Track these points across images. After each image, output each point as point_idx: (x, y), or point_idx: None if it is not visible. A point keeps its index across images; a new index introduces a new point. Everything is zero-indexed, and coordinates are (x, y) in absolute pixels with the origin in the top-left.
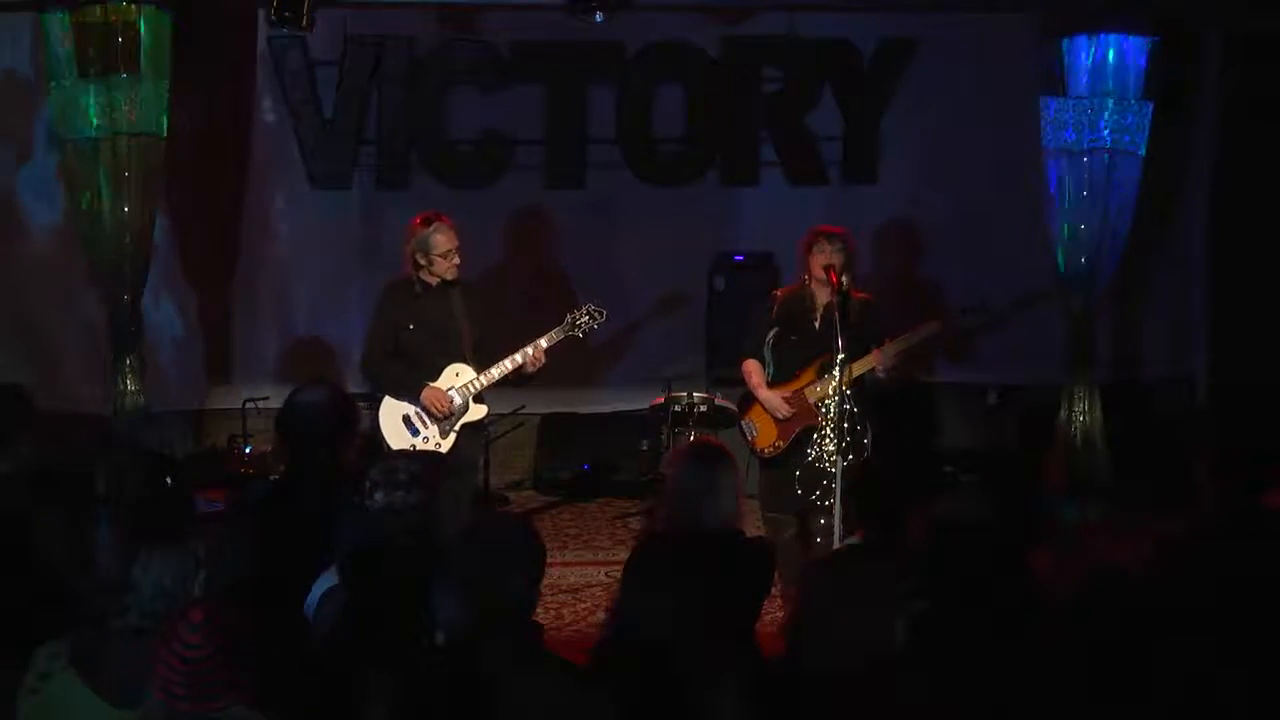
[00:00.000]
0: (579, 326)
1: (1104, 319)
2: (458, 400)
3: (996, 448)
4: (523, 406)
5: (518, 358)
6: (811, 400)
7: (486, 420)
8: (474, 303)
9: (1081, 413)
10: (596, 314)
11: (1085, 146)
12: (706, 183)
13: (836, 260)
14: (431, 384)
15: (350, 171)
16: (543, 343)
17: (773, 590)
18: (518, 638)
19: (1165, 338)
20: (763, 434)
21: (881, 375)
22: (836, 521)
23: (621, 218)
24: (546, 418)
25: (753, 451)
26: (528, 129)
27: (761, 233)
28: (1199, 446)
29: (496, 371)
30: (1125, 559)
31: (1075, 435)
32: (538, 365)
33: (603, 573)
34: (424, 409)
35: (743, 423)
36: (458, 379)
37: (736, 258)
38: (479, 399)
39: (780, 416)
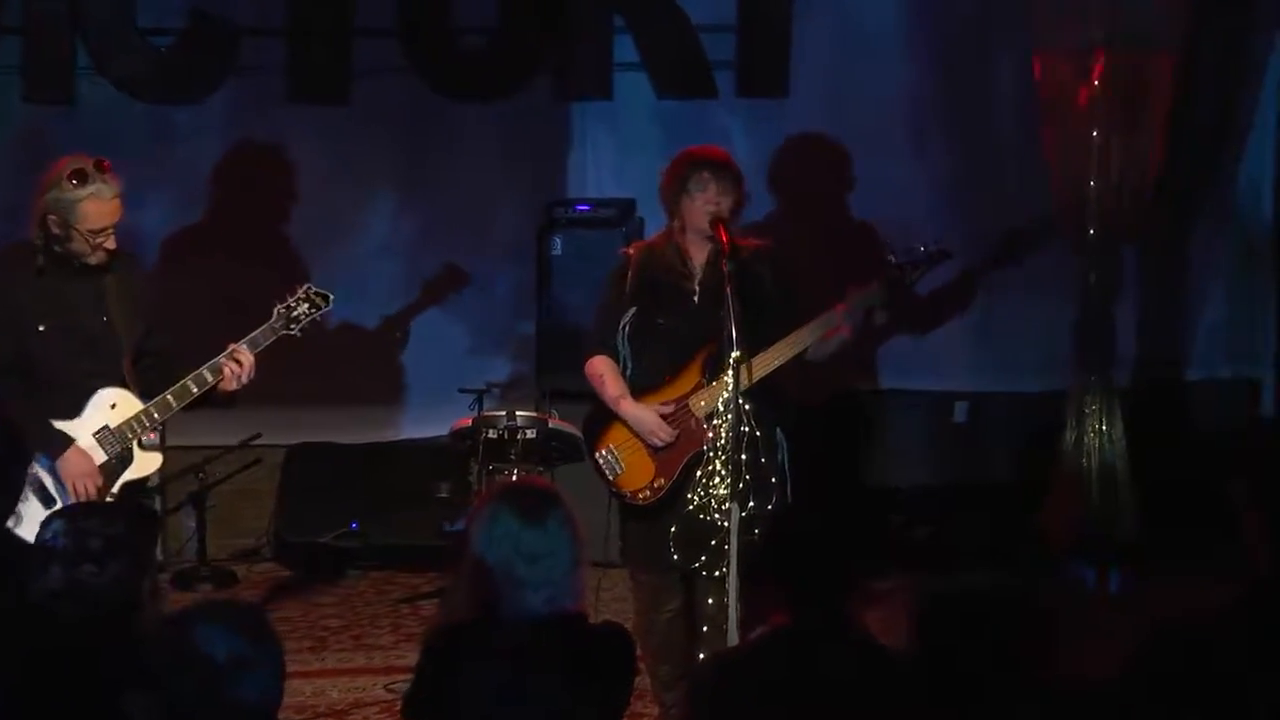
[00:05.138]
0: (296, 321)
1: (1128, 295)
2: (103, 455)
3: (969, 485)
4: (258, 435)
5: (206, 375)
6: (701, 413)
7: (153, 483)
8: (134, 288)
9: (1095, 432)
10: (319, 299)
11: (1091, 41)
12: (533, 94)
13: (725, 203)
14: (76, 441)
15: None
16: (244, 347)
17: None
18: None
19: (1216, 323)
20: (632, 470)
21: (811, 357)
22: (731, 599)
23: (406, 146)
24: (295, 452)
25: (616, 496)
26: (259, 13)
27: (617, 168)
28: (1260, 478)
29: (175, 399)
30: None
31: (1087, 465)
32: (240, 380)
33: (382, 685)
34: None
35: (599, 454)
36: (115, 413)
37: (580, 207)
38: (149, 443)
39: (658, 443)
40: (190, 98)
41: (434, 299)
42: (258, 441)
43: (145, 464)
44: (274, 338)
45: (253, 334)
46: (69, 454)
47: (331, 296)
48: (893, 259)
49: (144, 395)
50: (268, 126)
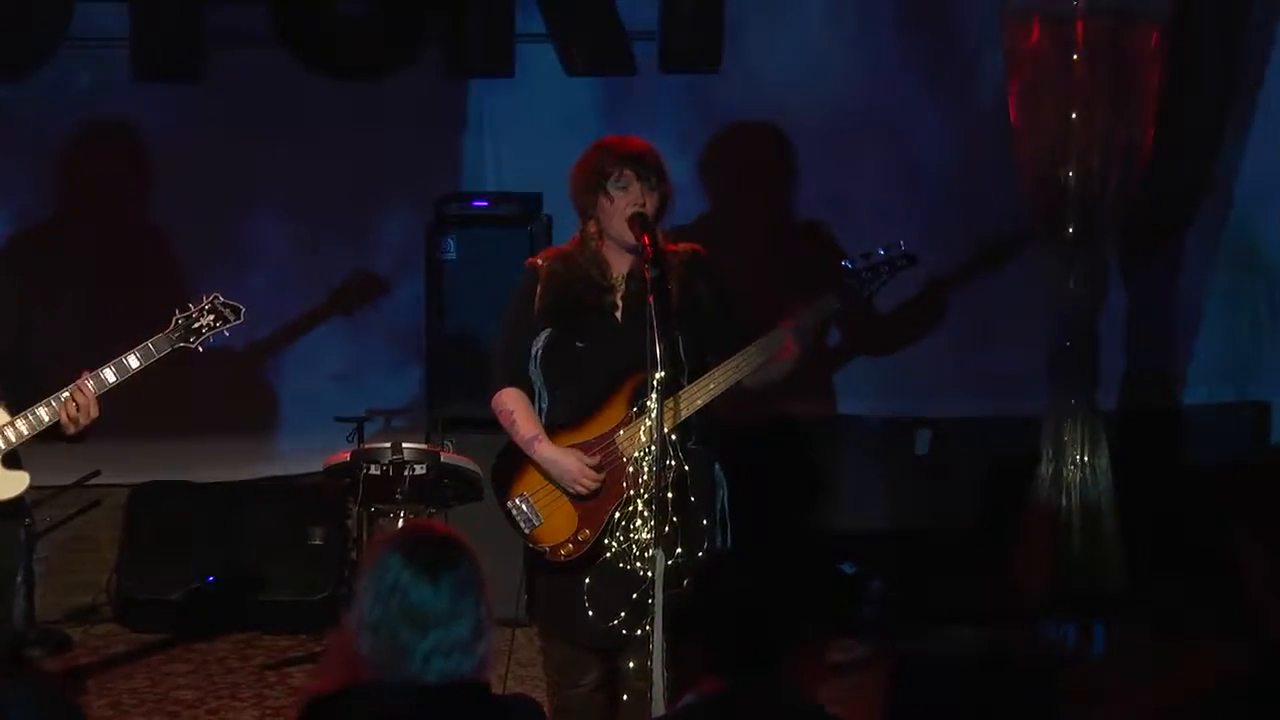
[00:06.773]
0: (197, 334)
1: (1114, 305)
2: None
3: (930, 528)
4: (96, 473)
5: (66, 398)
6: (629, 452)
7: (26, 500)
8: None
9: (1076, 465)
10: (228, 311)
11: (1068, 7)
12: (421, 70)
13: (651, 201)
14: None
15: None
16: (109, 374)
17: None
18: None
19: (1216, 336)
20: (552, 522)
21: (749, 384)
22: (656, 662)
23: (273, 134)
24: (140, 492)
25: (534, 552)
26: None
27: (520, 159)
28: (1267, 519)
29: (45, 413)
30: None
31: (1066, 502)
32: (78, 424)
33: None
34: None
35: (511, 504)
36: None
37: (476, 203)
38: (13, 461)
39: (582, 490)
40: (14, 74)
41: (306, 312)
42: (96, 480)
43: (11, 484)
44: (169, 349)
45: (136, 348)
46: None
47: (243, 310)
48: (847, 265)
49: (9, 412)
50: (107, 109)
